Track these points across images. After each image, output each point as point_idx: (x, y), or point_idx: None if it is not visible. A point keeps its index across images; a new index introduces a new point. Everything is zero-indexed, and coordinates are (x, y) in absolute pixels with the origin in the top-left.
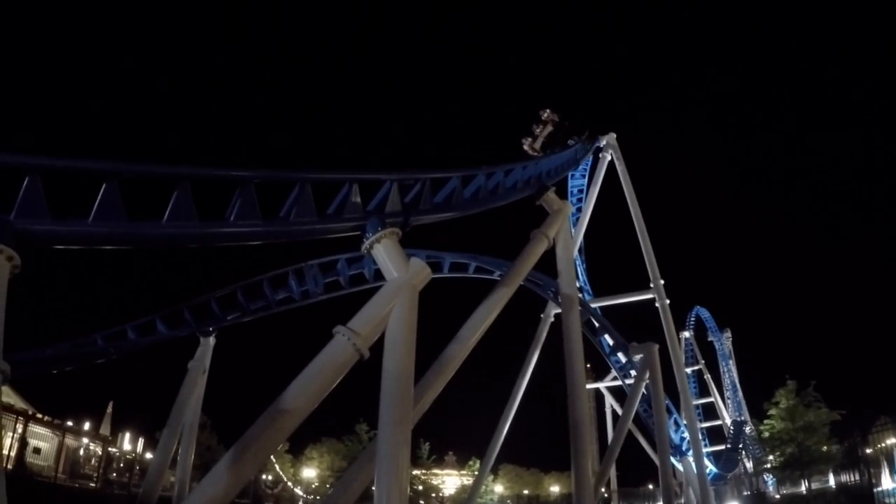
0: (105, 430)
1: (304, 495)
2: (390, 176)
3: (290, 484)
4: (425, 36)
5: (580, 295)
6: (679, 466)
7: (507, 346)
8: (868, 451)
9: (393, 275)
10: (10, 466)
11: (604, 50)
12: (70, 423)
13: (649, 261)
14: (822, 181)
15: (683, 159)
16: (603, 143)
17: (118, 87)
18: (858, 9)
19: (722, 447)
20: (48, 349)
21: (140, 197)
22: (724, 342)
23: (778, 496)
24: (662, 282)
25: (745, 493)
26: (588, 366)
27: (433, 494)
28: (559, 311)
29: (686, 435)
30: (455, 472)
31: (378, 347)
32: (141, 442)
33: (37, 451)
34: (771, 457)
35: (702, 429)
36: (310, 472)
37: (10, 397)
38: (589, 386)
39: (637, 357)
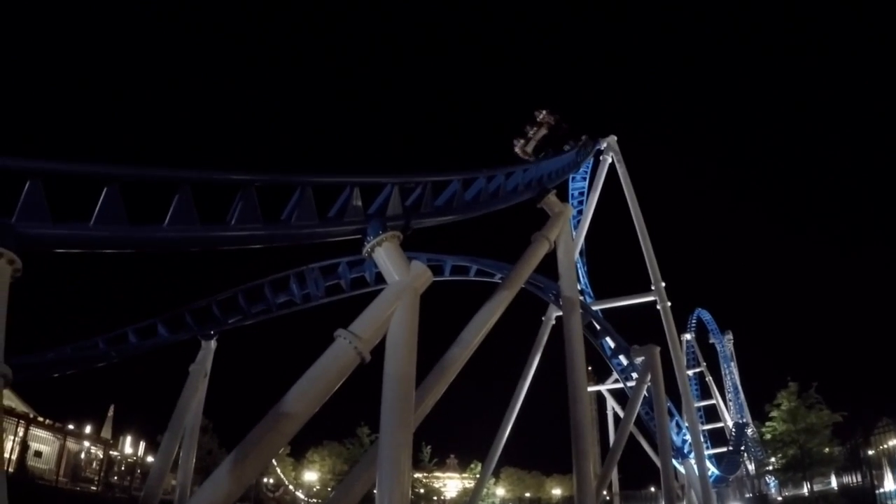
0: (106, 433)
1: (306, 499)
2: (391, 179)
3: (291, 487)
4: (427, 37)
5: (581, 298)
6: (681, 469)
7: (509, 348)
8: (870, 452)
9: (394, 278)
10: (11, 470)
11: (606, 51)
12: (71, 427)
13: (650, 263)
14: (823, 183)
15: (684, 161)
16: (604, 145)
17: (120, 90)
18: (861, 11)
19: (724, 449)
20: (50, 353)
21: (141, 201)
22: (725, 344)
23: (780, 498)
24: (664, 284)
25: (748, 496)
26: (589, 368)
27: (435, 497)
28: (560, 313)
29: (688, 437)
30: (456, 474)
31: (379, 350)
32: (142, 445)
33: (38, 454)
34: (773, 459)
35: (703, 431)
36: (311, 476)
37: (12, 400)
38: (590, 388)
39: (638, 359)
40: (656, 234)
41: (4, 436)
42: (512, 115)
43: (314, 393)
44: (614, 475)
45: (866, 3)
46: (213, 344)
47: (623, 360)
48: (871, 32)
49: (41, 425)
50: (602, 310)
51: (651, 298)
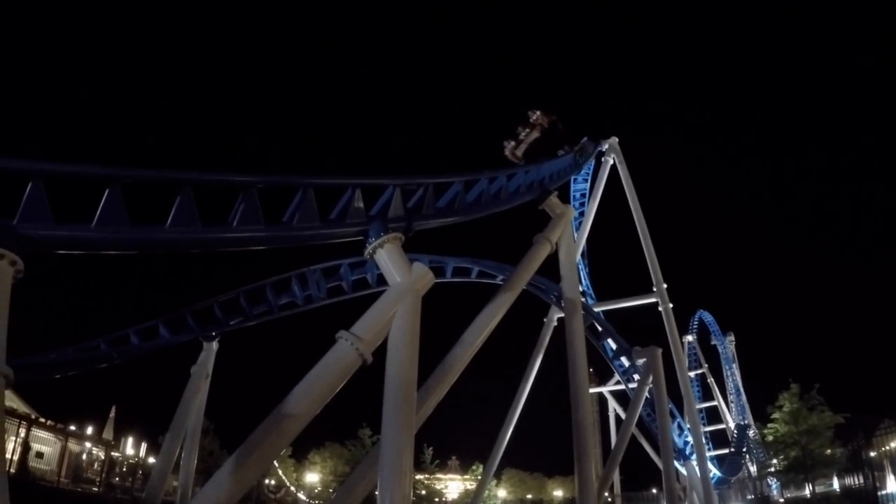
0: (108, 434)
1: (308, 500)
2: (393, 181)
3: (293, 489)
4: (429, 37)
5: (583, 299)
6: (682, 470)
7: (510, 350)
8: (872, 454)
9: (396, 279)
10: (12, 471)
11: (609, 52)
12: (73, 428)
13: (652, 265)
14: (826, 185)
15: (686, 162)
16: (605, 147)
17: (121, 91)
18: (865, 15)
19: (725, 451)
20: (51, 354)
21: (143, 202)
22: (727, 346)
23: (782, 500)
24: (665, 286)
25: (749, 497)
26: (591, 370)
27: (436, 499)
28: (562, 315)
29: (689, 439)
30: (458, 476)
31: (381, 352)
32: (144, 446)
33: (39, 455)
34: (775, 460)
35: (705, 433)
36: (313, 477)
37: (14, 401)
38: (592, 390)
39: (640, 361)
40: (658, 236)
41: (6, 437)
42: (514, 116)
43: (316, 394)
44: (616, 476)
45: (870, 8)
46: (214, 345)
47: (625, 361)
48: (874, 36)
49: (43, 426)
50: (604, 311)
51: (653, 300)
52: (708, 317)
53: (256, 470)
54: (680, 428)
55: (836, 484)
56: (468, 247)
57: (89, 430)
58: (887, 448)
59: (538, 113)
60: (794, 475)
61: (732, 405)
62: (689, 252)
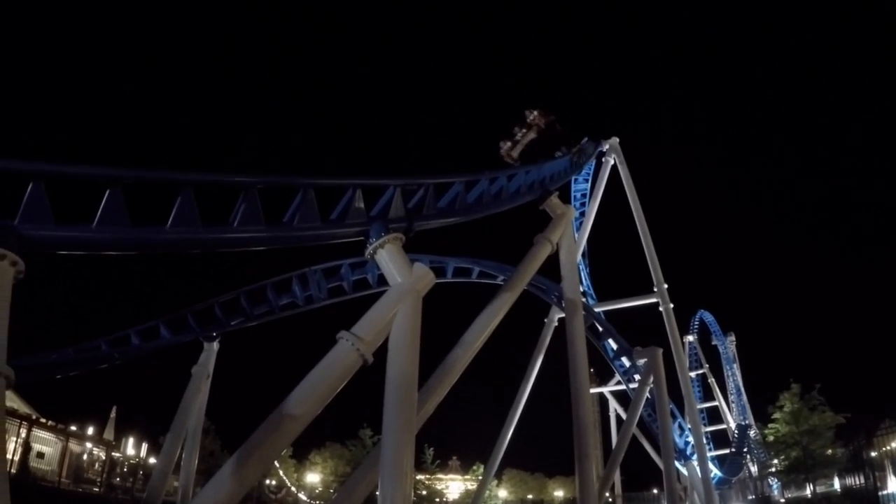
0: (109, 435)
1: (308, 500)
2: (393, 181)
3: (293, 489)
4: (429, 37)
5: (584, 299)
6: (683, 471)
7: (511, 350)
8: (873, 454)
9: (396, 280)
10: (13, 471)
11: (609, 52)
12: (74, 428)
13: (653, 265)
14: (828, 185)
15: (687, 161)
16: (606, 147)
17: (121, 92)
18: (868, 16)
19: (726, 451)
20: (52, 354)
21: (144, 202)
22: (727, 346)
23: (783, 500)
24: (666, 286)
25: (750, 497)
26: (591, 370)
27: (437, 499)
28: (563, 315)
29: (690, 439)
30: (459, 476)
31: (382, 352)
32: (144, 447)
33: (40, 455)
34: (775, 461)
35: (706, 433)
36: (313, 478)
37: (14, 402)
38: (593, 390)
39: (641, 361)
40: (658, 236)
41: (7, 437)
42: (515, 115)
43: (316, 395)
44: (617, 477)
45: (872, 7)
46: (215, 345)
47: (625, 361)
48: (875, 36)
49: (43, 426)
50: (604, 311)
51: (653, 300)
52: (709, 317)
53: (257, 470)
54: (681, 428)
55: (837, 484)
56: (469, 247)
57: (90, 431)
58: (888, 448)
59: (535, 113)
60: (795, 475)
61: (733, 405)
62: (689, 252)
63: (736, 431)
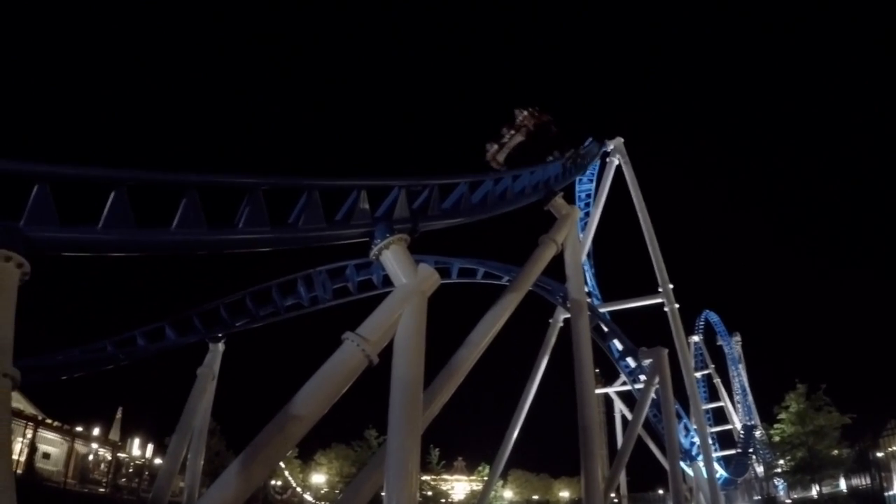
0: (114, 435)
1: (314, 501)
2: (398, 182)
3: (299, 489)
4: (433, 37)
5: (589, 300)
6: (689, 471)
7: (516, 351)
8: (879, 454)
9: (402, 280)
10: (19, 471)
11: (615, 52)
12: (79, 429)
13: (658, 266)
14: (832, 185)
15: (691, 161)
16: (610, 147)
17: (126, 94)
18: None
19: (732, 452)
20: (58, 355)
21: (149, 204)
22: (733, 346)
23: (789, 501)
24: (672, 286)
25: (756, 498)
26: (597, 371)
27: (442, 500)
28: (568, 316)
29: (696, 439)
30: (464, 477)
31: (387, 353)
32: (150, 448)
33: (46, 456)
34: (781, 461)
35: (712, 433)
36: (319, 478)
37: (20, 403)
38: (598, 391)
39: (646, 362)
40: (664, 236)
41: (13, 438)
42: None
43: (322, 395)
44: (622, 477)
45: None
46: (220, 346)
47: (631, 362)
48: (881, 37)
49: (49, 427)
50: (610, 312)
51: (659, 300)
52: (714, 317)
53: (263, 471)
54: (686, 429)
55: (843, 485)
56: (474, 248)
57: (96, 432)
58: (894, 448)
59: (525, 113)
60: (801, 476)
61: (739, 406)
62: (695, 252)
63: (742, 432)
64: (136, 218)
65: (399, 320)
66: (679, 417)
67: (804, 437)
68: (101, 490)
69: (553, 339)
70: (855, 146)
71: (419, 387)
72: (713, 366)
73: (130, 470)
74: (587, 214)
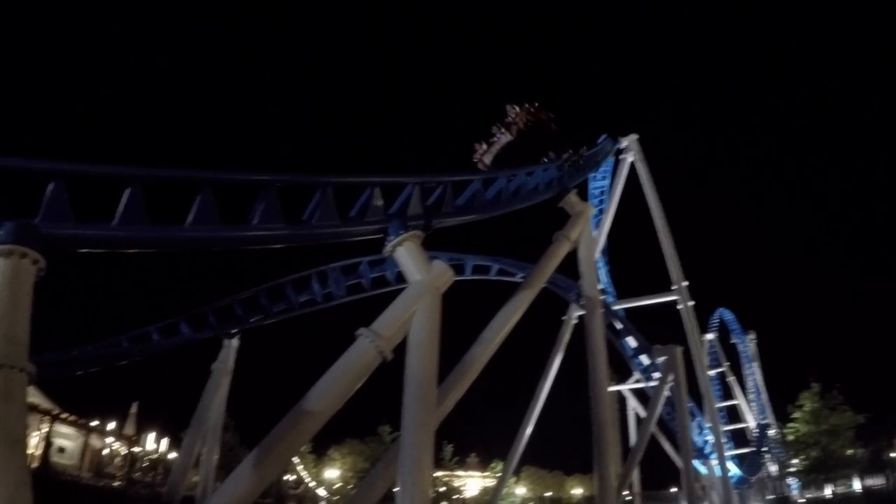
0: (130, 430)
1: (328, 495)
2: (412, 179)
3: (312, 485)
4: (444, 32)
5: (603, 297)
6: (702, 469)
7: (530, 348)
8: (893, 455)
9: (416, 277)
10: (35, 465)
11: (630, 48)
12: (95, 423)
13: (673, 263)
14: (850, 184)
15: (706, 156)
16: (624, 144)
17: (140, 92)
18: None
19: (746, 450)
20: (74, 350)
21: (163, 201)
22: (748, 344)
23: (802, 500)
24: (686, 283)
25: (769, 497)
26: (610, 368)
27: (455, 496)
28: (582, 313)
29: (709, 438)
30: (477, 473)
31: (401, 349)
32: (165, 442)
33: (62, 450)
34: (795, 460)
35: (725, 431)
36: (332, 473)
37: (36, 397)
38: (611, 388)
39: (660, 359)
40: (678, 232)
41: (29, 432)
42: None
43: (335, 391)
44: (635, 475)
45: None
46: (235, 342)
47: (645, 359)
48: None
49: (65, 422)
50: (623, 309)
51: (673, 298)
52: (728, 315)
53: (276, 465)
54: (700, 427)
55: (857, 485)
56: (487, 244)
57: (111, 426)
58: None
59: (517, 110)
60: (815, 475)
61: (753, 404)
62: (709, 249)
63: (755, 430)
64: (150, 215)
65: (413, 317)
66: (692, 415)
67: (818, 437)
68: (117, 484)
69: (567, 336)
70: (880, 144)
71: (433, 383)
72: (728, 363)
73: (145, 464)
74: (601, 211)
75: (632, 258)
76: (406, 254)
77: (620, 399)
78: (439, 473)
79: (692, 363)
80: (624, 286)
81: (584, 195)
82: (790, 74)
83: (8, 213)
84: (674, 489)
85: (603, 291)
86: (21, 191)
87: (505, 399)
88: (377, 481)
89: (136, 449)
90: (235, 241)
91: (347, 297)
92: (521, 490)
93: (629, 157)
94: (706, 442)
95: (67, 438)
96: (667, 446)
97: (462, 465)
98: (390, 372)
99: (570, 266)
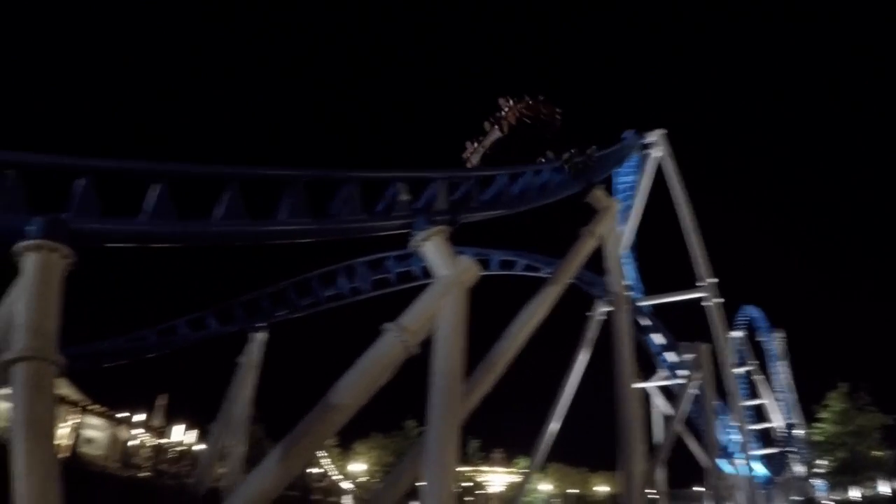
0: (157, 421)
1: (353, 489)
2: (438, 174)
3: (338, 478)
4: (465, 24)
5: (630, 293)
6: (728, 468)
7: (556, 343)
8: None
9: (442, 272)
10: (64, 455)
11: (658, 42)
12: (123, 415)
13: (700, 260)
14: (883, 181)
15: (736, 151)
16: (651, 139)
17: (164, 90)
18: None
19: (772, 450)
20: (104, 343)
21: (190, 196)
22: (775, 343)
23: (829, 502)
24: (715, 280)
25: (795, 498)
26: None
27: (480, 492)
28: (608, 309)
29: (735, 437)
30: (502, 469)
31: (428, 343)
32: (192, 434)
33: (90, 441)
34: (822, 461)
35: (751, 431)
36: (358, 467)
37: (66, 389)
38: (637, 385)
39: (687, 357)
40: (706, 228)
41: (58, 423)
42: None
43: (362, 385)
44: (661, 473)
45: None
46: (262, 336)
47: (671, 357)
48: None
49: (94, 413)
50: (651, 305)
51: (701, 294)
52: (756, 312)
53: (302, 458)
54: (725, 425)
55: (885, 487)
56: (514, 239)
57: (139, 418)
58: None
59: (510, 103)
60: (842, 477)
61: (780, 403)
62: (738, 245)
63: (782, 430)
64: (177, 209)
65: (439, 312)
66: (718, 414)
67: (845, 438)
68: (144, 475)
69: (593, 333)
70: None
71: (459, 378)
72: (757, 362)
73: (173, 455)
74: (628, 206)
75: (659, 254)
76: (432, 249)
77: (646, 396)
78: (464, 468)
79: (719, 361)
80: (651, 282)
81: (610, 190)
82: (823, 67)
83: (38, 209)
84: (700, 488)
85: (629, 287)
86: (50, 186)
87: (531, 395)
88: (402, 476)
89: (164, 440)
90: (263, 236)
91: (374, 292)
92: (545, 486)
93: (656, 153)
94: (732, 441)
95: (96, 429)
96: (692, 445)
97: (487, 460)
98: (416, 367)
99: (596, 261)
